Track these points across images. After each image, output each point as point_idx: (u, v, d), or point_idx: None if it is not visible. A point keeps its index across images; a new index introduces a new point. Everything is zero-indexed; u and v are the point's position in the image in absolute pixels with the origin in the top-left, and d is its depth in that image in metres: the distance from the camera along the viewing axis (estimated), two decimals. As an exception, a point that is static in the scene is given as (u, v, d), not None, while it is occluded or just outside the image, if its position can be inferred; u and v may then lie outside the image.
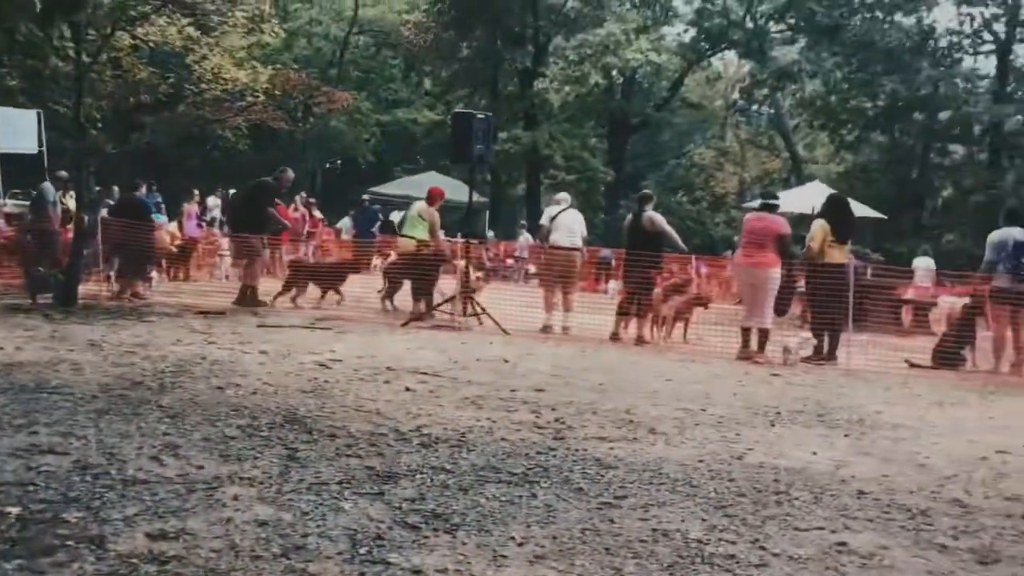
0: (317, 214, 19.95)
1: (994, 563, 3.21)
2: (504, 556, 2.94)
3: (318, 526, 3.08)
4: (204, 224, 18.58)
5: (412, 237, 11.64)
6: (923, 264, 16.78)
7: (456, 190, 16.26)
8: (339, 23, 34.80)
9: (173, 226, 16.19)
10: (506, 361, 7.76)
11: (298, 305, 11.49)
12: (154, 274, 12.52)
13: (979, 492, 4.23)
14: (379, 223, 19.50)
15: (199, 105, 22.69)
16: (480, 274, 12.40)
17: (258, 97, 22.83)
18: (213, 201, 20.57)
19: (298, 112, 27.53)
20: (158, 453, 3.91)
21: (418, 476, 3.81)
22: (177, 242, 14.85)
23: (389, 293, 11.85)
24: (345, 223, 21.25)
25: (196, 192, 18.84)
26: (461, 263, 11.27)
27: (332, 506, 3.30)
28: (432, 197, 11.92)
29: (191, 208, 17.59)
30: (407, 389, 5.97)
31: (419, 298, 11.34)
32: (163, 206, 17.47)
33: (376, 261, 16.02)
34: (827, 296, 9.88)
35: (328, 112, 28.21)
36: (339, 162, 34.05)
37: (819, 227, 10.18)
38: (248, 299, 11.23)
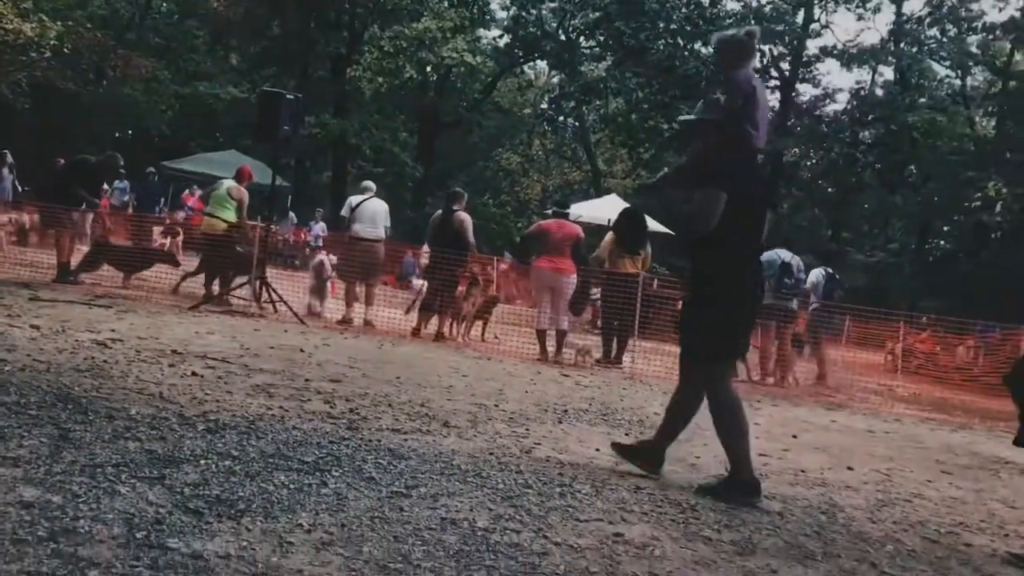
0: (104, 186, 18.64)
1: (751, 554, 3.50)
2: (290, 543, 2.88)
3: (91, 509, 2.90)
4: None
5: (220, 218, 11.17)
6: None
7: (258, 171, 15.75)
8: (143, -16, 32.67)
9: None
10: (301, 351, 7.60)
11: (79, 280, 10.73)
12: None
13: (741, 490, 4.58)
14: (163, 199, 18.53)
15: (-27, 56, 20.71)
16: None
17: (44, 53, 21.08)
18: (-16, 161, 18.73)
19: (90, 74, 25.64)
20: (-95, 429, 3.54)
21: (202, 462, 3.66)
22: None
23: (188, 273, 11.38)
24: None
25: (-36, 150, 17.18)
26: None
27: (107, 489, 3.11)
28: (242, 176, 11.53)
29: (-44, 168, 16.00)
30: (193, 374, 5.71)
31: (214, 281, 10.92)
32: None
33: (164, 240, 15.33)
34: (618, 304, 10.40)
35: (124, 77, 26.47)
36: (130, 132, 31.96)
37: (607, 238, 10.80)
38: (61, 274, 10.64)
